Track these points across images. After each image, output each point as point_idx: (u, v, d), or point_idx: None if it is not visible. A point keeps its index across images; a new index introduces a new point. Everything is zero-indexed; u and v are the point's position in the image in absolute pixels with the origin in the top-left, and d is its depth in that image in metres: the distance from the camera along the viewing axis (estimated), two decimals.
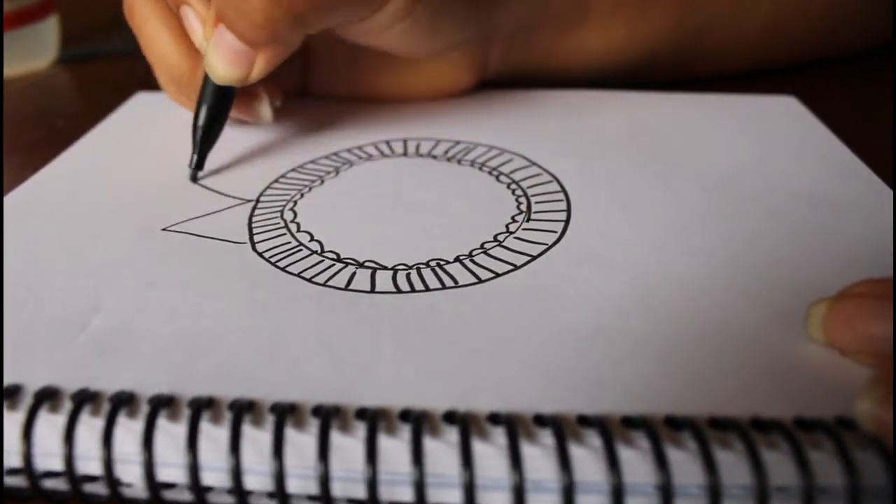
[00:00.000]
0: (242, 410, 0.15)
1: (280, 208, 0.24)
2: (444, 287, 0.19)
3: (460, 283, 0.19)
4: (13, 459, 0.15)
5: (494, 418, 0.15)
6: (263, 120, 0.27)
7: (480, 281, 0.19)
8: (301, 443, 0.14)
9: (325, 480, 0.14)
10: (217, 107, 0.25)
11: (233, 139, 0.29)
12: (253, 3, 0.21)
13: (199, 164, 0.25)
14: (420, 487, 0.14)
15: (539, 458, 0.14)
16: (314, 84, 0.31)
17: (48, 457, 0.15)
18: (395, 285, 0.19)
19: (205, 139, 0.25)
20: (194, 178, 0.25)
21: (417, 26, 0.25)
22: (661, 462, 0.13)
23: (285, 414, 0.14)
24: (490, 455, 0.14)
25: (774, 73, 0.37)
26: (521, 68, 0.32)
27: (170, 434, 0.14)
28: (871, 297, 0.16)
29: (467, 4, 0.27)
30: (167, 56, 0.25)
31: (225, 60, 0.23)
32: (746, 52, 0.35)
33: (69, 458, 0.14)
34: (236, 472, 0.14)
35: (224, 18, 0.22)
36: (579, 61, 0.32)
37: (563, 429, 0.14)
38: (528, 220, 0.22)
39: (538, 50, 0.31)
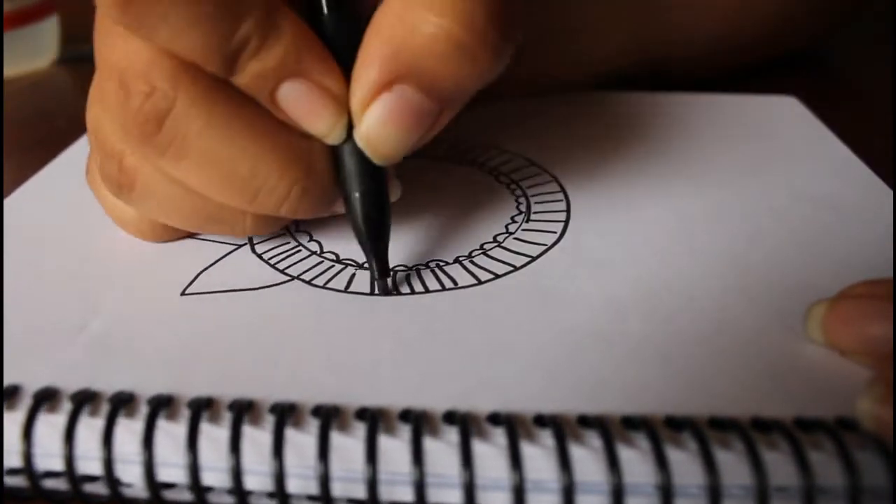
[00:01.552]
0: (242, 410, 0.15)
1: None
2: (443, 288, 0.19)
3: (460, 285, 0.19)
4: (13, 459, 0.15)
5: (494, 418, 0.15)
6: (394, 198, 0.20)
7: (480, 282, 0.19)
8: (301, 443, 0.14)
9: (325, 480, 0.14)
10: (378, 196, 0.18)
11: None
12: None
13: (383, 269, 0.19)
14: (420, 487, 0.14)
15: (539, 458, 0.14)
16: None
17: (48, 457, 0.15)
18: (395, 288, 0.19)
19: (376, 236, 0.19)
20: (385, 289, 0.19)
21: None
22: (661, 462, 0.13)
23: (285, 414, 0.14)
24: (490, 455, 0.14)
25: (775, 73, 0.37)
26: (522, 82, 0.31)
27: (170, 434, 0.14)
28: (871, 297, 0.16)
29: None
30: (257, 173, 0.17)
31: (404, 128, 0.16)
32: (710, 55, 0.35)
33: (69, 458, 0.14)
34: (236, 472, 0.14)
35: (413, 71, 0.16)
36: (540, 80, 0.32)
37: (563, 429, 0.14)
38: (527, 221, 0.22)
39: (536, 62, 0.30)
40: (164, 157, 0.17)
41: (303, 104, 0.17)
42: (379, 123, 0.16)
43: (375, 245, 0.18)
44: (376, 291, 0.19)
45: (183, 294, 0.19)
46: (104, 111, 0.18)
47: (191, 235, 0.22)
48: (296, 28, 0.16)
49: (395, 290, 0.19)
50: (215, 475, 0.14)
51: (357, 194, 0.18)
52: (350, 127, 0.17)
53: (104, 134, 0.18)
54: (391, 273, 0.19)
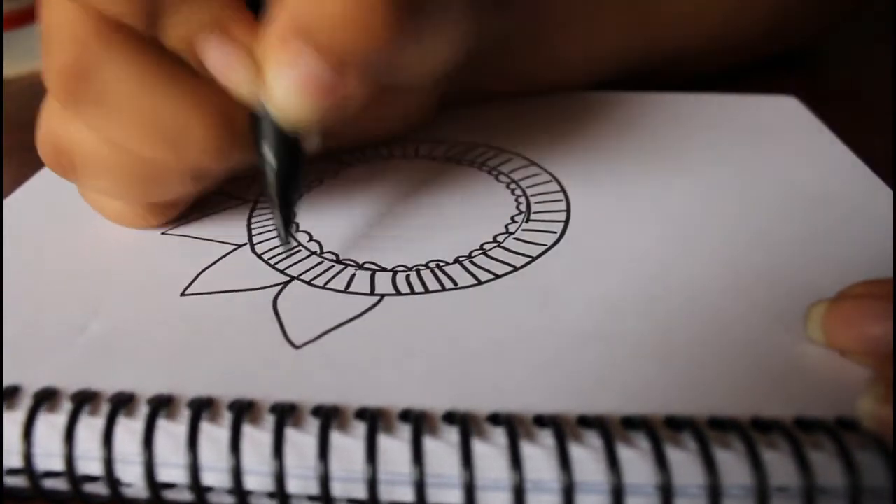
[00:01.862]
0: (242, 410, 0.15)
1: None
2: (443, 289, 0.19)
3: (460, 285, 0.19)
4: (13, 459, 0.15)
5: (494, 418, 0.15)
6: (310, 149, 0.20)
7: (480, 282, 0.19)
8: (301, 443, 0.14)
9: (325, 480, 0.14)
10: (290, 154, 0.18)
11: None
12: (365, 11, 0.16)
13: (287, 226, 0.19)
14: (420, 487, 0.14)
15: (539, 458, 0.14)
16: None
17: (48, 457, 0.15)
18: (395, 287, 0.19)
19: (285, 196, 0.19)
20: (287, 248, 0.20)
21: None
22: (661, 462, 0.13)
23: (285, 414, 0.14)
24: (490, 455, 0.14)
25: (775, 73, 0.37)
26: (465, 93, 0.30)
27: (170, 434, 0.14)
28: (871, 297, 0.16)
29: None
30: (178, 122, 0.18)
31: (310, 97, 0.17)
32: (709, 53, 0.35)
33: (69, 458, 0.14)
34: (236, 472, 0.14)
35: (312, 34, 0.16)
36: (530, 84, 0.32)
37: (563, 429, 0.14)
38: (527, 221, 0.22)
39: (485, 75, 0.30)
40: (89, 107, 0.17)
41: (221, 56, 0.17)
42: (285, 92, 0.17)
43: (284, 203, 0.19)
44: (280, 248, 0.20)
45: (183, 294, 0.19)
46: (48, 97, 0.19)
47: (185, 228, 0.22)
48: None
49: (294, 245, 0.20)
50: (215, 475, 0.14)
51: (266, 147, 0.18)
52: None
53: (44, 124, 0.19)
54: (294, 227, 0.20)
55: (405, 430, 0.14)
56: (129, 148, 0.18)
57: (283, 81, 0.17)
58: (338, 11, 0.16)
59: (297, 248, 0.20)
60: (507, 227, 0.22)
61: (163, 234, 0.22)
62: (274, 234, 0.22)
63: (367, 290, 0.19)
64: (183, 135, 0.18)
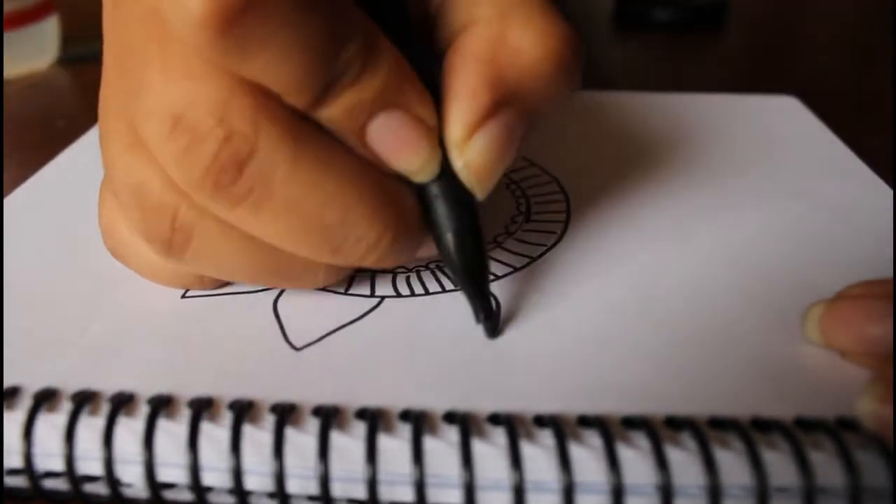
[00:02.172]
0: (242, 410, 0.15)
1: None
2: (443, 290, 0.19)
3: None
4: (14, 460, 0.15)
5: (494, 418, 0.15)
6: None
7: None
8: (301, 443, 0.14)
9: (325, 480, 0.14)
10: (475, 233, 0.16)
11: None
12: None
13: (488, 311, 0.17)
14: (420, 487, 0.14)
15: (539, 458, 0.14)
16: None
17: (48, 457, 0.15)
18: (395, 289, 0.19)
19: (477, 276, 0.17)
20: (494, 332, 0.17)
21: None
22: (661, 462, 0.13)
23: (285, 414, 0.14)
24: (490, 455, 0.14)
25: (774, 73, 0.37)
26: None
27: (170, 434, 0.14)
28: (869, 297, 0.16)
29: None
30: (344, 222, 0.15)
31: (505, 152, 0.15)
32: None
33: (69, 459, 0.14)
34: (236, 472, 0.14)
35: (519, 95, 0.15)
36: None
37: (563, 429, 0.14)
38: (527, 222, 0.22)
39: None
40: (241, 207, 0.14)
41: (397, 138, 0.15)
42: (485, 152, 0.15)
43: (476, 285, 0.17)
44: (485, 334, 0.17)
45: (184, 297, 0.19)
46: (146, 162, 0.15)
47: None
48: (393, 54, 0.15)
49: (501, 331, 0.17)
50: (215, 475, 0.14)
51: (450, 234, 0.16)
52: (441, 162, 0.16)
53: (148, 188, 0.15)
54: (495, 311, 0.17)
55: (405, 430, 0.14)
56: (278, 245, 0.15)
57: (485, 139, 0.15)
58: (548, 56, 0.15)
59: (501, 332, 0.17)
60: (507, 227, 0.22)
61: None
62: None
63: (368, 292, 0.19)
64: (350, 233, 0.15)
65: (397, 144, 0.15)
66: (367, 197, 0.15)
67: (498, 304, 0.18)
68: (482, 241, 0.17)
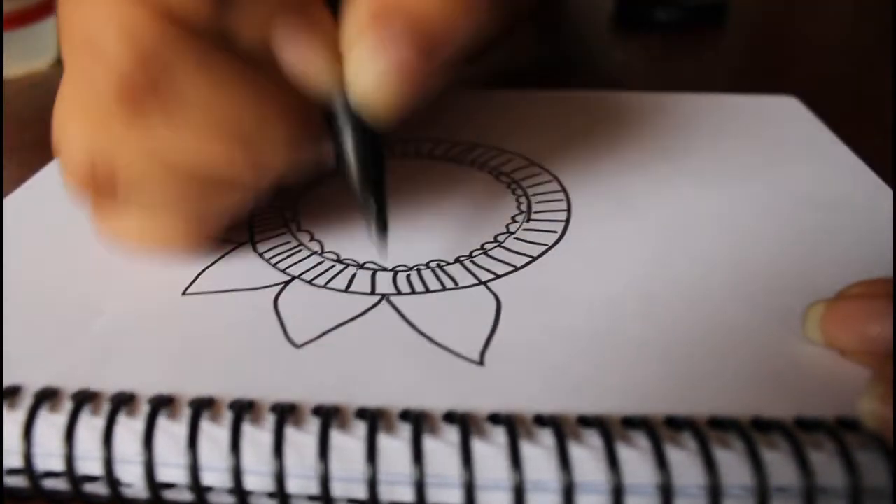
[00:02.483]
0: (242, 410, 0.15)
1: (281, 206, 0.24)
2: (444, 288, 0.19)
3: (461, 285, 0.19)
4: (13, 459, 0.15)
5: (494, 418, 0.15)
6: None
7: (480, 282, 0.19)
8: (301, 443, 0.14)
9: (325, 480, 0.14)
10: (372, 145, 0.17)
11: None
12: None
13: (382, 224, 0.18)
14: (420, 487, 0.14)
15: (539, 458, 0.14)
16: None
17: (48, 457, 0.15)
18: (396, 287, 0.19)
19: (373, 190, 0.18)
20: (382, 245, 0.19)
21: None
22: (661, 462, 0.13)
23: (285, 414, 0.14)
24: (490, 455, 0.14)
25: (774, 73, 0.37)
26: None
27: (170, 434, 0.14)
28: (869, 296, 0.16)
29: None
30: (253, 121, 0.16)
31: (400, 85, 0.16)
32: None
33: (69, 458, 0.14)
34: (236, 472, 0.14)
35: (407, 15, 0.15)
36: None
37: (563, 429, 0.14)
38: (528, 221, 0.22)
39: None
40: (156, 118, 0.16)
41: (299, 44, 0.16)
42: (370, 66, 0.16)
43: (375, 197, 0.17)
44: (377, 251, 0.18)
45: (184, 294, 0.19)
46: (73, 97, 0.17)
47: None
48: None
49: (385, 249, 0.18)
50: (215, 475, 0.14)
51: (349, 149, 0.17)
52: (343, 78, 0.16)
53: (72, 137, 0.17)
54: (387, 232, 0.18)
55: (405, 430, 0.14)
56: (197, 153, 0.16)
57: (373, 66, 0.15)
58: None
59: (386, 246, 0.18)
60: (507, 226, 0.22)
61: None
62: (274, 233, 0.22)
63: (368, 290, 0.19)
64: (258, 133, 0.16)
65: (298, 52, 0.16)
66: (275, 100, 0.16)
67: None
68: (381, 158, 0.17)
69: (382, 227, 0.18)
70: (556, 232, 0.22)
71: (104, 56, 0.15)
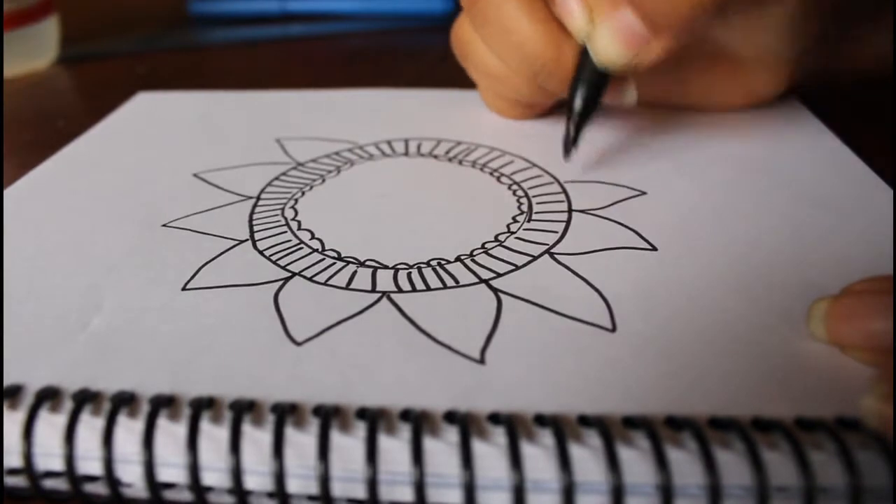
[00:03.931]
0: (242, 410, 0.15)
1: (281, 206, 0.24)
2: (445, 286, 0.19)
3: (461, 283, 0.19)
4: (13, 459, 0.15)
5: (494, 418, 0.15)
6: (628, 103, 0.26)
7: (481, 280, 0.19)
8: (301, 443, 0.14)
9: (325, 480, 0.14)
10: (595, 91, 0.24)
11: (234, 138, 0.29)
12: None
13: (575, 140, 0.25)
14: (420, 487, 0.14)
15: (539, 458, 0.14)
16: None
17: (48, 457, 0.15)
18: (397, 284, 0.19)
19: (581, 123, 0.24)
20: (567, 154, 0.25)
21: (783, 22, 0.26)
22: (661, 462, 0.13)
23: (285, 414, 0.14)
24: (490, 455, 0.14)
25: None
26: (822, 74, 0.30)
27: (170, 434, 0.14)
28: (872, 293, 0.16)
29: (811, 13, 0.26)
30: (530, 44, 0.24)
31: (622, 44, 0.22)
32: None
33: (69, 458, 0.14)
34: (236, 472, 0.14)
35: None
36: (873, 60, 0.31)
37: (563, 429, 0.14)
38: (529, 221, 0.22)
39: (838, 55, 0.30)
40: (478, 22, 0.25)
41: (567, 5, 0.23)
42: (605, 35, 0.22)
43: (578, 129, 0.24)
44: (564, 154, 0.25)
45: (184, 289, 0.19)
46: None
47: (187, 222, 0.22)
48: None
49: (574, 151, 0.25)
50: (215, 475, 0.14)
51: (581, 90, 0.24)
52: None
53: (460, 20, 0.28)
54: (577, 146, 0.25)
55: (405, 430, 0.14)
56: (497, 54, 0.25)
57: (606, 28, 0.22)
58: None
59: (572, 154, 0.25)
60: (508, 226, 0.22)
61: (164, 226, 0.22)
62: (274, 232, 0.22)
63: (369, 287, 0.19)
64: (530, 52, 0.24)
65: (567, 9, 0.23)
66: (543, 34, 0.24)
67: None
68: (600, 98, 0.24)
69: (573, 142, 0.25)
70: (556, 232, 0.22)
71: None
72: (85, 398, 0.15)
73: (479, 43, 0.26)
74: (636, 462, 0.14)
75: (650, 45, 0.22)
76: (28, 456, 0.14)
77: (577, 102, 0.24)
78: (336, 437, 0.14)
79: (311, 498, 0.15)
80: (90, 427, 0.14)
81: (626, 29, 0.22)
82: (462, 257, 0.20)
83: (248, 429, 0.14)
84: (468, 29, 0.26)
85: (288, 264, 0.20)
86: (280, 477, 0.14)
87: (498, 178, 0.25)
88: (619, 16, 0.22)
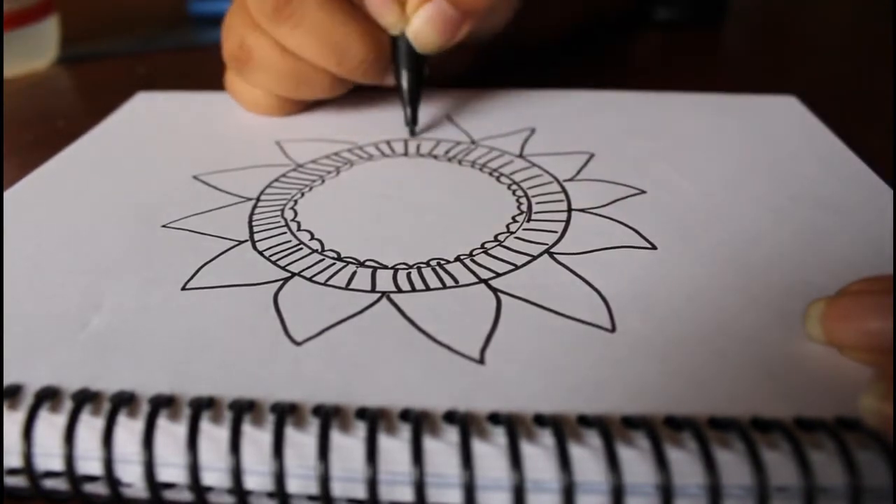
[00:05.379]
0: (242, 410, 0.15)
1: (280, 207, 0.24)
2: (444, 286, 0.19)
3: (461, 283, 0.19)
4: (13, 459, 0.15)
5: (494, 418, 0.15)
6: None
7: (481, 280, 0.19)
8: (301, 443, 0.14)
9: (325, 480, 0.14)
10: (418, 75, 0.28)
11: (234, 139, 0.29)
12: None
13: (414, 120, 0.28)
14: (420, 487, 0.14)
15: (539, 458, 0.14)
16: None
17: (48, 457, 0.15)
18: (396, 284, 0.19)
19: (415, 103, 0.28)
20: (413, 132, 0.29)
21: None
22: (661, 462, 0.13)
23: (285, 414, 0.14)
24: (490, 455, 0.14)
25: (774, 73, 0.37)
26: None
27: (170, 434, 0.14)
28: (870, 293, 0.16)
29: None
30: (348, 42, 0.26)
31: (438, 30, 0.26)
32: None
33: (69, 458, 0.14)
34: (236, 472, 0.14)
35: None
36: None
37: (563, 429, 0.14)
38: (528, 221, 0.22)
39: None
40: (286, 26, 0.26)
41: (380, 3, 0.26)
42: (422, 24, 0.26)
43: (413, 105, 0.28)
44: (408, 134, 0.29)
45: (184, 289, 0.19)
46: (238, 11, 0.28)
47: (187, 222, 0.22)
48: None
49: (415, 133, 0.29)
50: (215, 475, 0.14)
51: (405, 70, 0.27)
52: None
53: (233, 28, 0.28)
54: (417, 122, 0.29)
55: (405, 430, 0.14)
56: (304, 57, 0.27)
57: (423, 19, 0.26)
58: None
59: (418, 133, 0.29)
60: (508, 226, 0.22)
61: (164, 226, 0.22)
62: (274, 232, 0.22)
63: (368, 287, 0.19)
64: (349, 52, 0.26)
65: (380, 6, 0.26)
66: (361, 30, 0.26)
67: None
68: (422, 79, 0.28)
69: (413, 122, 0.28)
70: (556, 232, 0.22)
71: None
72: (85, 398, 0.15)
73: (271, 47, 0.27)
74: (636, 462, 0.14)
75: (461, 28, 0.26)
76: (28, 456, 0.14)
77: (405, 87, 0.28)
78: (336, 437, 0.14)
79: (311, 498, 0.15)
80: (90, 427, 0.14)
81: (441, 15, 0.26)
82: (461, 257, 0.20)
83: (247, 429, 0.14)
84: (253, 34, 0.27)
85: (288, 265, 0.20)
86: (280, 477, 0.14)
87: (497, 178, 0.25)
88: (433, 6, 0.25)
